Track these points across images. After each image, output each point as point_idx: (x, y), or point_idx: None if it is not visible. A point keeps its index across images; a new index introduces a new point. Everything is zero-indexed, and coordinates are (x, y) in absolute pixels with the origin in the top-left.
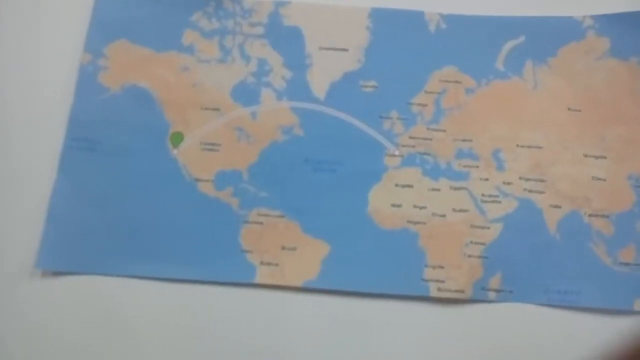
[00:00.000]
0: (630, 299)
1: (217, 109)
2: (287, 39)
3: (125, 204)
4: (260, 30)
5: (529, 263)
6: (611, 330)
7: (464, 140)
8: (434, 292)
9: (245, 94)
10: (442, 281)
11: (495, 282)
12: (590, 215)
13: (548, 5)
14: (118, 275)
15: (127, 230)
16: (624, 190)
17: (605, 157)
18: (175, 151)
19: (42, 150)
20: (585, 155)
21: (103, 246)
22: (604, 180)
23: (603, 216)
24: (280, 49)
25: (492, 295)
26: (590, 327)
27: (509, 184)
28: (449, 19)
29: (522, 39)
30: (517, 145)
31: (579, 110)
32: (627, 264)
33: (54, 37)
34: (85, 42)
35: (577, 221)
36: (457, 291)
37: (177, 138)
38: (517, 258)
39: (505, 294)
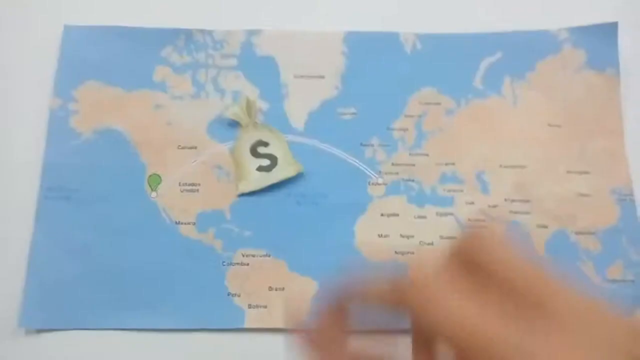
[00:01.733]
0: None
1: (194, 147)
2: (261, 70)
3: (106, 253)
4: (233, 61)
5: None
6: None
7: (447, 164)
8: None
9: (222, 130)
10: None
11: None
12: (576, 233)
13: (523, 19)
14: (103, 329)
15: (109, 280)
16: (609, 205)
17: (588, 172)
18: (154, 194)
19: (18, 203)
20: (569, 172)
21: (86, 299)
22: (589, 195)
23: (589, 233)
24: (255, 80)
25: None
26: None
27: (494, 207)
28: (425, 38)
29: (499, 55)
30: (500, 166)
31: (559, 126)
32: (614, 281)
33: (22, 84)
34: (53, 86)
35: (563, 241)
36: None
37: (155, 180)
38: None
39: None
